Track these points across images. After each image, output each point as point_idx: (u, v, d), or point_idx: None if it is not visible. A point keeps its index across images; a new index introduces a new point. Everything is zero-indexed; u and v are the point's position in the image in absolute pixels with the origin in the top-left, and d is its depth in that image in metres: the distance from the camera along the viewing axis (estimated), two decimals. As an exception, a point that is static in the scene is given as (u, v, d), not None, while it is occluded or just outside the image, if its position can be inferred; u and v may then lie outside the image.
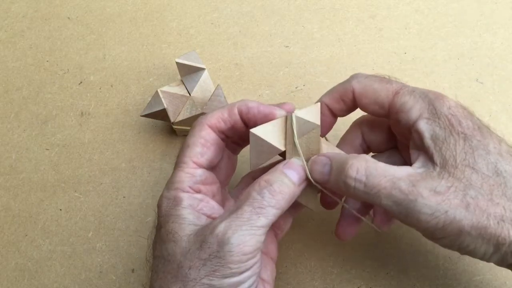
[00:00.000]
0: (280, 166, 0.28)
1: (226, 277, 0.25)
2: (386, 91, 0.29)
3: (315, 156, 0.29)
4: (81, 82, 0.44)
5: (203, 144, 0.29)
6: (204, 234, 0.25)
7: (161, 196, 0.29)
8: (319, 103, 0.30)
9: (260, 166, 0.31)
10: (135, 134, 0.41)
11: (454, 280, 0.34)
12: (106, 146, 0.41)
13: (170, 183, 0.29)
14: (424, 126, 0.27)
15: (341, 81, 0.43)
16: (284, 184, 0.27)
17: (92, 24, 0.47)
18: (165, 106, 0.37)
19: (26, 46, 0.46)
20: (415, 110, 0.27)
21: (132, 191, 0.39)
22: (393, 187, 0.25)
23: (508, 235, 0.24)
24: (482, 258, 0.26)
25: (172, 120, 0.38)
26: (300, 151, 0.28)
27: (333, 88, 0.31)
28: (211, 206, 0.28)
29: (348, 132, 0.34)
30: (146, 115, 0.38)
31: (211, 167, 0.30)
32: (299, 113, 0.28)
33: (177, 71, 0.40)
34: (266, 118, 0.29)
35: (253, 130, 0.28)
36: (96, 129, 0.42)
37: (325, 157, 0.28)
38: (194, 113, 0.38)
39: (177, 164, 0.29)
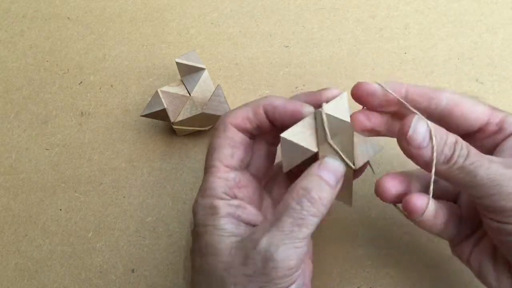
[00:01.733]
0: (315, 169, 0.27)
1: None
2: (483, 106, 0.28)
3: (414, 123, 0.25)
4: (81, 82, 0.44)
5: (232, 145, 0.28)
6: (246, 248, 0.25)
7: (196, 202, 0.27)
8: (344, 93, 0.28)
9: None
10: (135, 134, 0.41)
11: (454, 280, 0.34)
12: (106, 146, 0.41)
13: (203, 189, 0.27)
14: None
15: (341, 80, 0.43)
16: (322, 190, 0.26)
17: (92, 24, 0.47)
18: (165, 106, 0.37)
19: (26, 46, 0.46)
20: None
21: (132, 191, 0.39)
22: (491, 164, 0.24)
23: None
24: None
25: (172, 120, 0.38)
26: (336, 148, 0.27)
27: (418, 85, 0.28)
28: (249, 212, 0.27)
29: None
30: (146, 115, 0.38)
31: (243, 167, 0.29)
32: (328, 109, 0.27)
33: (177, 71, 0.40)
34: (293, 117, 0.28)
35: (283, 135, 0.27)
36: (96, 129, 0.42)
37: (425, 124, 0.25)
38: (194, 113, 0.38)
39: (207, 168, 0.28)
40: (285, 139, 0.27)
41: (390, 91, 0.28)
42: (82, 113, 0.43)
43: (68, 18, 0.47)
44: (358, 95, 0.28)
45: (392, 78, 0.42)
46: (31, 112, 0.43)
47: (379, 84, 0.28)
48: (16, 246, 0.38)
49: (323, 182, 0.26)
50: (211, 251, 0.25)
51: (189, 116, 0.38)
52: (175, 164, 0.40)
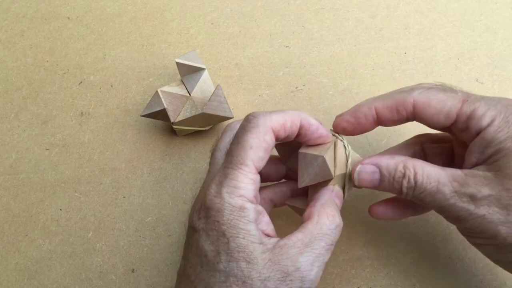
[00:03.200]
0: (332, 196, 0.29)
1: None
2: (453, 100, 0.28)
3: (360, 166, 0.29)
4: (81, 82, 0.44)
5: (266, 149, 0.27)
6: (284, 264, 0.25)
7: (220, 197, 0.26)
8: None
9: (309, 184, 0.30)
10: (135, 134, 0.41)
11: (454, 280, 0.34)
12: (106, 146, 0.41)
13: (232, 187, 0.26)
14: (493, 134, 0.26)
15: (341, 80, 0.43)
16: (338, 217, 0.28)
17: (92, 24, 0.47)
18: (165, 106, 0.37)
19: (26, 46, 0.46)
20: (487, 116, 0.27)
21: (132, 191, 0.39)
22: (437, 192, 0.27)
23: None
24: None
25: (172, 120, 0.38)
26: (348, 184, 0.30)
27: (388, 95, 0.30)
28: (266, 221, 0.27)
29: (407, 142, 0.33)
30: (146, 115, 0.38)
31: None
32: (351, 151, 0.30)
33: (177, 71, 0.40)
34: (318, 140, 0.29)
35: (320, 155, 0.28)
36: (96, 129, 0.42)
37: (372, 165, 0.29)
38: (194, 113, 0.38)
39: (236, 164, 0.26)
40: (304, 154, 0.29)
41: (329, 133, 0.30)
42: (82, 113, 0.43)
43: (68, 18, 0.47)
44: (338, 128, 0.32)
45: (392, 78, 0.42)
46: (31, 112, 0.43)
47: (332, 130, 0.32)
48: (16, 246, 0.38)
49: (338, 209, 0.29)
50: (245, 257, 0.25)
51: (189, 116, 0.38)
52: (175, 164, 0.40)
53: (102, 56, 0.45)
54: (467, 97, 0.28)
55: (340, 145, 0.30)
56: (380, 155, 0.30)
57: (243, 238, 0.25)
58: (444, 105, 0.28)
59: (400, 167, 0.28)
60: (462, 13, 0.45)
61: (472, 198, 0.26)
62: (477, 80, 0.42)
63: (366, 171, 0.29)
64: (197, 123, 0.39)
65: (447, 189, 0.26)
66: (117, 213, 0.39)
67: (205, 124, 0.40)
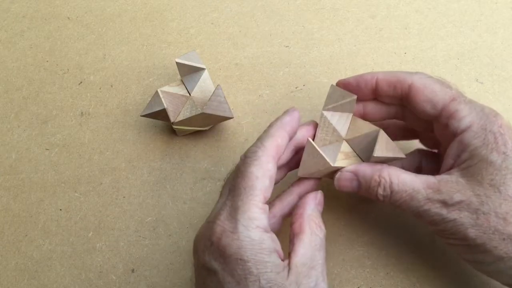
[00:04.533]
0: (316, 204, 0.31)
1: None
2: (444, 94, 0.29)
3: (339, 173, 0.31)
4: (81, 82, 0.44)
5: (271, 178, 0.28)
6: (305, 283, 0.26)
7: (237, 232, 0.26)
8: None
9: (308, 176, 0.32)
10: (135, 134, 0.41)
11: (454, 280, 0.34)
12: (106, 146, 0.41)
13: (247, 219, 0.26)
14: (469, 139, 0.28)
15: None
16: (323, 225, 0.30)
17: (92, 24, 0.47)
18: (165, 106, 0.37)
19: (26, 46, 0.46)
20: (466, 121, 0.28)
21: (132, 191, 0.39)
22: (412, 199, 0.28)
23: (509, 252, 0.26)
24: (481, 267, 0.28)
25: (172, 120, 0.38)
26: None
27: (392, 72, 0.31)
28: (280, 247, 0.28)
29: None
30: (146, 115, 0.38)
31: None
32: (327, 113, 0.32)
33: (177, 71, 0.40)
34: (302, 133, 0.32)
35: (311, 141, 0.30)
36: (96, 129, 0.42)
37: (351, 172, 0.31)
38: (194, 113, 0.38)
39: (247, 196, 0.27)
40: (310, 145, 0.30)
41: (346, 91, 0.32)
42: (82, 113, 0.43)
43: (68, 18, 0.47)
44: (340, 86, 0.33)
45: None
46: (31, 112, 0.43)
47: (340, 83, 0.33)
48: (16, 246, 0.38)
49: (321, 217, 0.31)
50: None
51: (189, 116, 0.38)
52: (175, 164, 0.40)
53: (102, 56, 0.45)
54: (458, 96, 0.29)
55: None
56: (362, 163, 0.31)
57: (271, 271, 0.25)
58: (435, 96, 0.29)
59: (376, 176, 0.29)
60: (462, 13, 0.45)
61: (445, 203, 0.27)
62: (477, 80, 0.42)
63: (345, 178, 0.31)
64: (197, 123, 0.39)
65: (421, 196, 0.28)
66: (117, 213, 0.39)
67: (205, 124, 0.40)
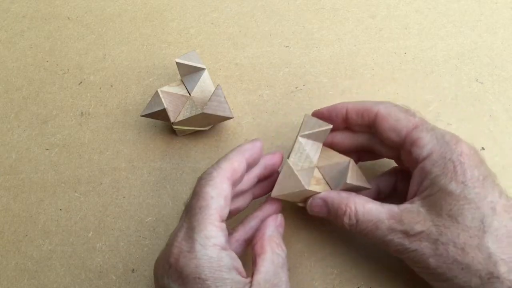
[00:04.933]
0: (277, 226, 0.32)
1: None
2: (407, 122, 0.30)
3: (311, 200, 0.32)
4: (81, 82, 0.44)
5: (226, 197, 0.29)
6: None
7: (194, 251, 0.26)
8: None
9: (280, 198, 0.33)
10: (135, 134, 0.41)
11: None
12: (106, 146, 0.41)
13: (204, 238, 0.27)
14: (430, 167, 0.28)
15: (341, 80, 0.43)
16: (284, 245, 0.31)
17: (92, 24, 0.47)
18: (165, 106, 0.37)
19: (26, 46, 0.46)
20: (427, 148, 0.29)
21: (132, 191, 0.39)
22: (377, 229, 0.29)
23: (468, 282, 0.27)
24: None
25: (172, 120, 0.38)
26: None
27: (361, 102, 0.33)
28: (240, 264, 0.28)
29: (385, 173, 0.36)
30: (146, 115, 0.38)
31: None
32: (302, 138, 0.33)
33: (177, 71, 0.40)
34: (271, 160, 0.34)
35: (290, 162, 0.31)
36: (96, 129, 0.42)
37: (321, 199, 0.32)
38: (194, 113, 0.38)
39: (202, 215, 0.27)
40: (289, 166, 0.31)
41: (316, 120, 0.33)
42: (82, 113, 0.43)
43: (68, 18, 0.47)
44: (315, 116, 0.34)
45: (392, 78, 0.42)
46: (31, 112, 0.43)
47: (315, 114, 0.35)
48: (16, 246, 0.38)
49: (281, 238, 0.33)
50: None
51: (189, 116, 0.38)
52: (175, 164, 0.40)
53: (102, 56, 0.45)
54: (421, 124, 0.30)
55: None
56: (332, 191, 0.32)
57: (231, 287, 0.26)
58: (399, 124, 0.30)
59: (342, 205, 0.30)
60: (462, 13, 0.45)
61: (406, 234, 0.28)
62: (477, 80, 0.42)
63: (316, 204, 0.32)
64: (197, 123, 0.39)
65: (384, 226, 0.29)
66: (117, 213, 0.39)
67: (205, 124, 0.40)
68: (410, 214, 0.28)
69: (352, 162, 0.32)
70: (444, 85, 0.42)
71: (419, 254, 0.28)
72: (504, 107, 0.41)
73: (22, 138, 0.42)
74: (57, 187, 0.40)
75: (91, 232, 0.38)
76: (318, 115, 0.34)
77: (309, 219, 0.37)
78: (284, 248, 0.30)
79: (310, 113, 0.35)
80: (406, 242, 0.28)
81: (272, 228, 0.31)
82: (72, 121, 0.42)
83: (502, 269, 0.26)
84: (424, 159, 0.29)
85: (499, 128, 0.40)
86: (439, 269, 0.27)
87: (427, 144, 0.29)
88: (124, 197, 0.39)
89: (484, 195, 0.27)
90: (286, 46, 0.45)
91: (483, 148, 0.39)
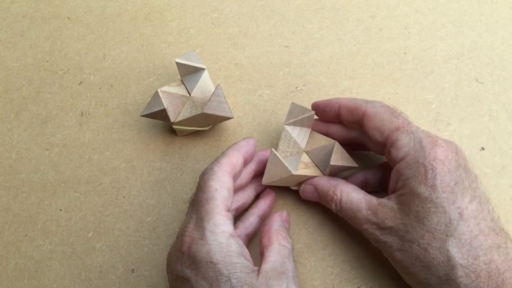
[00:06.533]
0: (283, 220, 0.34)
1: None
2: (390, 123, 0.32)
3: (303, 186, 0.35)
4: (81, 82, 0.44)
5: (229, 189, 0.31)
6: (276, 284, 0.28)
7: (205, 238, 0.28)
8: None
9: (271, 184, 0.35)
10: (135, 134, 0.41)
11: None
12: (106, 146, 0.41)
13: (213, 225, 0.28)
14: (403, 169, 0.30)
15: (341, 80, 0.43)
16: (290, 238, 0.33)
17: (92, 24, 0.47)
18: (165, 106, 0.37)
19: (26, 46, 0.46)
20: (403, 151, 0.30)
21: (132, 191, 0.39)
22: (355, 217, 0.32)
23: (428, 279, 0.28)
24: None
25: (172, 120, 0.38)
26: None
27: (353, 99, 0.34)
28: (247, 252, 0.30)
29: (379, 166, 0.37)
30: (146, 115, 0.38)
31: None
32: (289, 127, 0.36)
33: (177, 71, 0.40)
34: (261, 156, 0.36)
35: (275, 151, 0.33)
36: (96, 129, 0.42)
37: (312, 185, 0.35)
38: (194, 113, 0.38)
39: (209, 206, 0.29)
40: (274, 154, 0.33)
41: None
42: (82, 113, 0.43)
43: (68, 18, 0.47)
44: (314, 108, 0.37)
45: (392, 78, 0.42)
46: (31, 112, 0.43)
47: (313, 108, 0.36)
48: (16, 246, 0.38)
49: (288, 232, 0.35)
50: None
51: (189, 116, 0.38)
52: (175, 164, 0.40)
53: (102, 56, 0.45)
54: (403, 126, 0.31)
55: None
56: (323, 177, 0.35)
57: (241, 271, 0.27)
58: (382, 124, 0.32)
59: (330, 192, 0.33)
60: (462, 13, 0.45)
61: (378, 226, 0.30)
62: (477, 80, 0.42)
63: (308, 190, 0.35)
64: (197, 123, 0.39)
65: (362, 216, 0.31)
66: (117, 213, 0.39)
67: (205, 124, 0.40)
68: (385, 209, 0.30)
69: (336, 144, 0.34)
70: (444, 85, 0.42)
71: (388, 246, 0.30)
72: (504, 107, 0.41)
73: (22, 138, 0.42)
74: (57, 187, 0.40)
75: (91, 232, 0.38)
76: (316, 107, 0.36)
77: (309, 219, 0.37)
78: (290, 240, 0.32)
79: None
80: (378, 233, 0.30)
81: (278, 222, 0.33)
82: (72, 121, 0.42)
83: (459, 273, 0.27)
84: (400, 160, 0.30)
85: (499, 128, 0.40)
86: (404, 262, 0.29)
87: (403, 146, 0.30)
88: (124, 197, 0.39)
89: (453, 200, 0.28)
90: (286, 46, 0.45)
91: (483, 148, 0.39)
